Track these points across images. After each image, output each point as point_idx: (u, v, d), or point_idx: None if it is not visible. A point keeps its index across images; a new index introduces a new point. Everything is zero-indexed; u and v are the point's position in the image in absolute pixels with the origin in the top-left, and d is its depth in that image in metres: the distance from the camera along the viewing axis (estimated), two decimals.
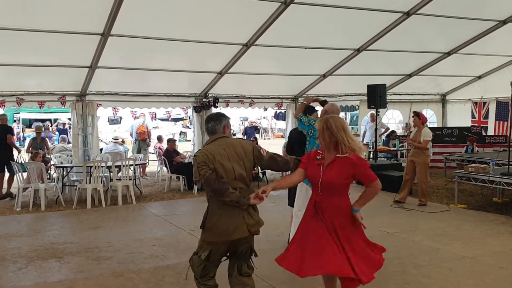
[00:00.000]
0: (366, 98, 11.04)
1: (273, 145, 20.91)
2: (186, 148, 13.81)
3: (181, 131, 27.43)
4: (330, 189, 3.32)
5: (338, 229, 3.32)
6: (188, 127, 25.08)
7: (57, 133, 20.22)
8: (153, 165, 13.54)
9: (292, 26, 8.66)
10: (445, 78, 13.59)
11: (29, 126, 23.76)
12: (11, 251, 5.93)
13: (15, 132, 15.10)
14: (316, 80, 11.79)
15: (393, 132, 13.71)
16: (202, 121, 11.09)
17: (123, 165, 9.14)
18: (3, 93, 9.38)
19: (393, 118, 15.27)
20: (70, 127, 15.78)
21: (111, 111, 11.48)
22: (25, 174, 9.06)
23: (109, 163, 9.31)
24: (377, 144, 11.54)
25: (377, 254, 3.48)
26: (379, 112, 11.01)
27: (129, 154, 12.50)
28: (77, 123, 10.06)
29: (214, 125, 3.58)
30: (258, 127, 28.13)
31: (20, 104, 9.62)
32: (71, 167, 9.58)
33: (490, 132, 13.60)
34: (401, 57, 11.23)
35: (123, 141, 14.53)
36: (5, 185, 9.71)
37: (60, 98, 9.88)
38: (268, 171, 11.26)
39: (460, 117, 14.44)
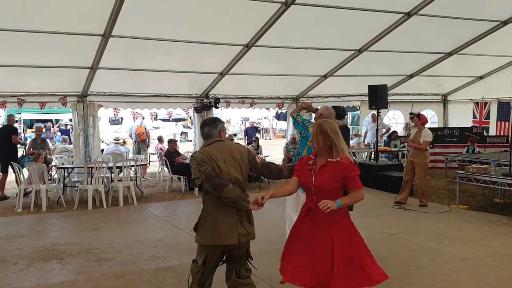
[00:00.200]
0: (367, 99, 11.04)
1: (274, 145, 20.93)
2: (187, 149, 13.81)
3: (182, 132, 27.44)
4: (323, 193, 3.28)
5: (333, 235, 3.27)
6: (189, 127, 25.07)
7: (59, 133, 20.23)
8: (154, 165, 13.54)
9: (293, 26, 8.66)
10: (446, 79, 13.57)
11: (30, 127, 23.73)
12: (12, 252, 5.93)
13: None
14: (317, 80, 11.79)
15: (394, 132, 13.70)
16: None
17: (124, 166, 9.14)
18: (4, 94, 9.41)
19: (395, 119, 15.24)
20: (72, 128, 15.78)
21: (112, 112, 11.49)
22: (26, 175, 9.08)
23: (110, 164, 9.32)
24: (378, 144, 11.52)
25: (377, 269, 3.36)
26: (380, 112, 11.00)
27: (130, 155, 12.51)
28: (78, 124, 10.08)
29: (210, 130, 3.59)
30: (259, 128, 28.11)
31: (21, 105, 9.64)
32: (72, 168, 9.61)
33: (492, 132, 13.56)
34: (402, 57, 11.23)
35: (124, 142, 14.51)
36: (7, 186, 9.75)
37: (61, 99, 9.91)
38: None
39: (461, 117, 14.42)
